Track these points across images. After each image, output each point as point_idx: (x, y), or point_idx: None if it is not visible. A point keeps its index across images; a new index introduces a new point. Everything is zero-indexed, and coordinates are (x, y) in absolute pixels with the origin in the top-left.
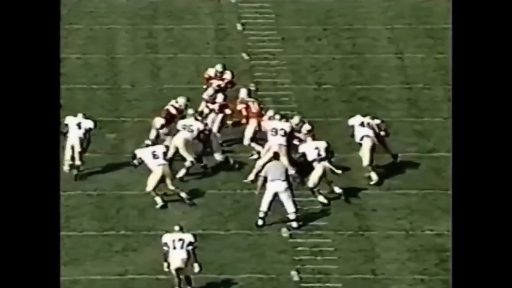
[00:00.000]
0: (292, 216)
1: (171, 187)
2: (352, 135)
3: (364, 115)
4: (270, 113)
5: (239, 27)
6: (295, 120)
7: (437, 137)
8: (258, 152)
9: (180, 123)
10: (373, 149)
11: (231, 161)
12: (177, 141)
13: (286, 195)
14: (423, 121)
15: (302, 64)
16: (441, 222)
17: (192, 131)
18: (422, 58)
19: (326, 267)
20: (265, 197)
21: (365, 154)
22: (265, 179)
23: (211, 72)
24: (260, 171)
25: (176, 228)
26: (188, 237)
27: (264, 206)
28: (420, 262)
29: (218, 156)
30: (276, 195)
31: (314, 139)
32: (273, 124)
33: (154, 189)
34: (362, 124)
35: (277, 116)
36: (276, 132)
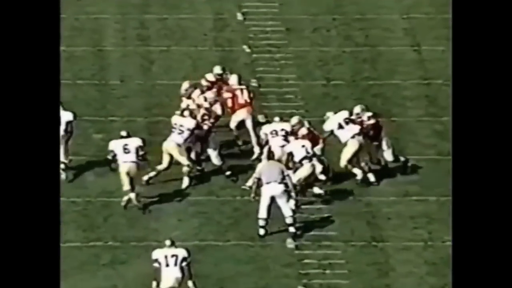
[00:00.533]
0: (289, 221)
1: (132, 194)
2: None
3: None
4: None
5: (239, 16)
6: (294, 120)
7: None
8: (245, 142)
9: (173, 120)
10: (358, 151)
11: (227, 172)
12: (169, 146)
13: (284, 199)
14: (443, 120)
15: (309, 58)
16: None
17: (182, 131)
18: (442, 51)
19: (335, 282)
20: (262, 203)
21: (345, 154)
22: (260, 182)
23: (209, 76)
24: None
25: (167, 242)
26: (182, 253)
27: (262, 213)
28: (440, 276)
29: (215, 160)
30: (273, 199)
31: (315, 142)
32: (272, 126)
33: (132, 189)
34: (342, 126)
35: (276, 118)
36: (277, 133)
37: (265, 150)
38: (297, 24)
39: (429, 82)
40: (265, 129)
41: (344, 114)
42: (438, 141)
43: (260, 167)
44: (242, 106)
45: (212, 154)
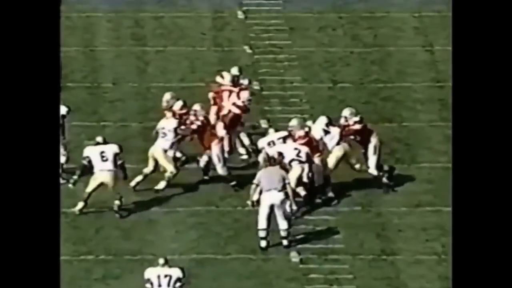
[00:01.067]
0: (283, 234)
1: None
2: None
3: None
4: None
5: (240, 14)
6: (293, 122)
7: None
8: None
9: (158, 126)
10: (342, 158)
11: (232, 183)
12: (155, 152)
13: (281, 209)
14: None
15: (314, 59)
16: None
17: (165, 134)
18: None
19: None
20: (261, 212)
21: (329, 162)
22: (259, 189)
23: (226, 75)
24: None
25: (161, 261)
26: (176, 272)
27: (262, 223)
28: None
29: (220, 170)
30: (272, 207)
31: (314, 148)
32: (268, 138)
33: (88, 196)
34: (326, 131)
35: (271, 130)
36: (274, 143)
37: (261, 155)
38: (301, 22)
39: (442, 85)
40: (262, 143)
41: (323, 120)
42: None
43: (259, 173)
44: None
45: (218, 164)
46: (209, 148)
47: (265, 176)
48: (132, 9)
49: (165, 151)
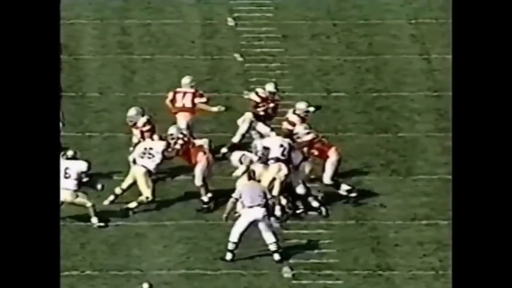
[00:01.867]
0: (273, 247)
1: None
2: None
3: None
4: None
5: (230, 21)
6: (300, 105)
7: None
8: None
9: (139, 147)
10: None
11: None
12: (137, 172)
13: (265, 223)
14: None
15: (307, 67)
16: None
17: (152, 156)
18: None
19: None
20: (237, 226)
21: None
22: (237, 203)
23: (262, 93)
24: None
25: (145, 286)
26: None
27: (234, 236)
28: None
29: (197, 181)
30: (252, 223)
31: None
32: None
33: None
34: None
35: (273, 133)
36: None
37: (242, 167)
38: (294, 30)
39: (439, 94)
40: (261, 144)
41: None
42: (449, 159)
43: (240, 187)
44: (183, 109)
45: (198, 176)
46: (197, 163)
47: (247, 192)
48: (118, 16)
49: (149, 173)
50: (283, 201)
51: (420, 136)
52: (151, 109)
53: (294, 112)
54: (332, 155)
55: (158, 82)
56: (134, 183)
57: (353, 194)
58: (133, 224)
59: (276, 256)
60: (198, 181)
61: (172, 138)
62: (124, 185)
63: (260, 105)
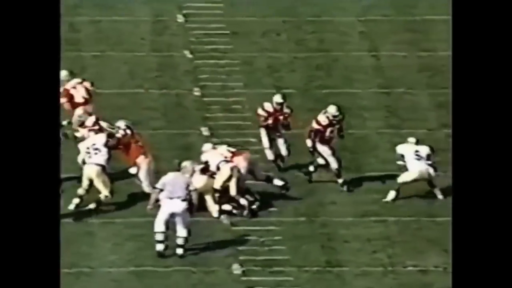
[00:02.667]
0: (180, 242)
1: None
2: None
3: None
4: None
5: (180, 18)
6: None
7: None
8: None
9: (83, 147)
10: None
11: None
12: (90, 171)
13: (182, 217)
14: (404, 133)
15: (257, 64)
16: (427, 256)
17: (98, 150)
18: (403, 56)
19: None
20: (159, 216)
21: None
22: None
23: (268, 107)
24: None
25: None
26: None
27: (159, 226)
28: None
29: (146, 188)
30: (172, 215)
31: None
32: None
33: None
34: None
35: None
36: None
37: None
38: (244, 27)
39: (389, 91)
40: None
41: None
42: (395, 156)
43: (164, 178)
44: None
45: (145, 181)
46: (138, 168)
47: (170, 183)
48: (67, 12)
49: (103, 167)
50: (243, 201)
51: (370, 133)
52: (101, 107)
53: (324, 113)
54: (144, 162)
55: (109, 79)
56: (92, 183)
57: (284, 191)
58: (83, 222)
59: (179, 251)
60: (146, 188)
61: (113, 128)
62: (84, 186)
63: (269, 119)
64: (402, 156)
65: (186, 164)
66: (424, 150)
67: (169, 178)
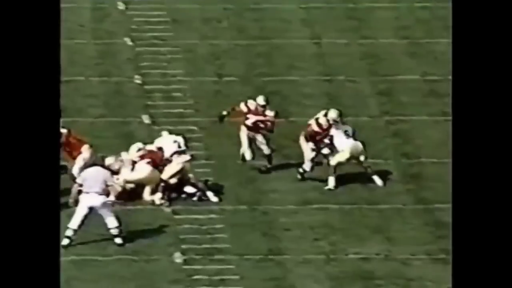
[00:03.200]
0: (115, 232)
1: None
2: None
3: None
4: None
5: (121, 5)
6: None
7: (364, 139)
8: None
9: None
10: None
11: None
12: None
13: (103, 210)
14: (346, 120)
15: (199, 52)
16: (368, 243)
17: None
18: (345, 44)
19: None
20: (77, 212)
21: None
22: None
23: (251, 104)
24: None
25: None
26: None
27: (74, 223)
28: None
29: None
30: (91, 209)
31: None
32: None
33: None
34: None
35: (165, 132)
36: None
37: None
38: (184, 14)
39: (331, 79)
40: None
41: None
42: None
43: (84, 173)
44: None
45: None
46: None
47: (89, 178)
48: None
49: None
50: (189, 189)
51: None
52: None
53: (325, 116)
54: (85, 152)
55: None
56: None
57: (195, 198)
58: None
59: (118, 240)
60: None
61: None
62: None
63: (248, 116)
64: (331, 139)
65: (109, 160)
66: (350, 128)
67: (88, 173)
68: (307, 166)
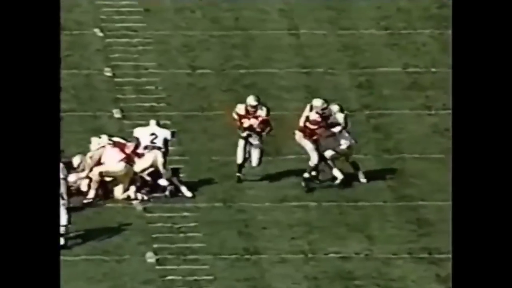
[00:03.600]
0: (61, 230)
1: None
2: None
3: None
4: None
5: None
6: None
7: None
8: None
9: None
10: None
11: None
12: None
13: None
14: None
15: (172, 43)
16: (348, 242)
17: None
18: (323, 35)
19: None
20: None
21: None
22: None
23: (240, 109)
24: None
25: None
26: None
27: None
28: None
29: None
30: None
31: None
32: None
33: None
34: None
35: (153, 121)
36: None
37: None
38: (156, 4)
39: (309, 71)
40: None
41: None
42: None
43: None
44: None
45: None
46: None
47: None
48: None
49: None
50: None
51: (289, 114)
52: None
53: (311, 110)
54: None
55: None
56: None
57: (167, 192)
58: None
59: (61, 240)
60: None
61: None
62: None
63: (242, 121)
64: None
65: (76, 158)
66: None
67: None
68: (312, 169)
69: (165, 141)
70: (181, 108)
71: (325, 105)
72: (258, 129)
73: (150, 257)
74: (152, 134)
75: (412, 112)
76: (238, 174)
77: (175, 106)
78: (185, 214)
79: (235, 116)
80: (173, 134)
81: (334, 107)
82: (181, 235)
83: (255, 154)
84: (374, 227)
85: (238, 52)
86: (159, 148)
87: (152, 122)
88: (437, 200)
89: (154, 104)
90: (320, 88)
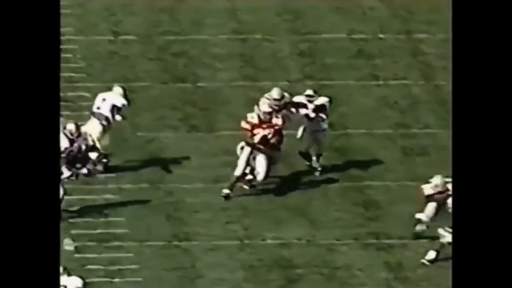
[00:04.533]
0: None
1: None
2: None
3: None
4: None
5: None
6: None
7: None
8: None
9: None
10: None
11: None
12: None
13: None
14: (262, 85)
15: (92, 7)
16: (288, 227)
17: None
18: None
19: None
20: None
21: None
22: None
23: (252, 119)
24: None
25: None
26: None
27: None
28: (259, 283)
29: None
30: None
31: None
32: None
33: None
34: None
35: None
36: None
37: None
38: None
39: (245, 37)
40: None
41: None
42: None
43: None
44: None
45: None
46: None
47: None
48: None
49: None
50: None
51: (223, 85)
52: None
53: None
54: None
55: None
56: None
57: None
58: None
59: None
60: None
61: None
62: None
63: (255, 131)
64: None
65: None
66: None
67: None
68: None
69: (112, 108)
70: (102, 79)
71: (278, 97)
72: (274, 141)
73: (68, 245)
74: (104, 99)
75: (358, 83)
76: (226, 191)
77: (95, 76)
78: (107, 196)
79: (246, 126)
80: (129, 102)
81: (322, 98)
82: (102, 219)
83: (261, 165)
84: (316, 211)
85: (166, 16)
86: (100, 117)
87: (116, 89)
88: (386, 180)
89: (72, 74)
90: (257, 56)
